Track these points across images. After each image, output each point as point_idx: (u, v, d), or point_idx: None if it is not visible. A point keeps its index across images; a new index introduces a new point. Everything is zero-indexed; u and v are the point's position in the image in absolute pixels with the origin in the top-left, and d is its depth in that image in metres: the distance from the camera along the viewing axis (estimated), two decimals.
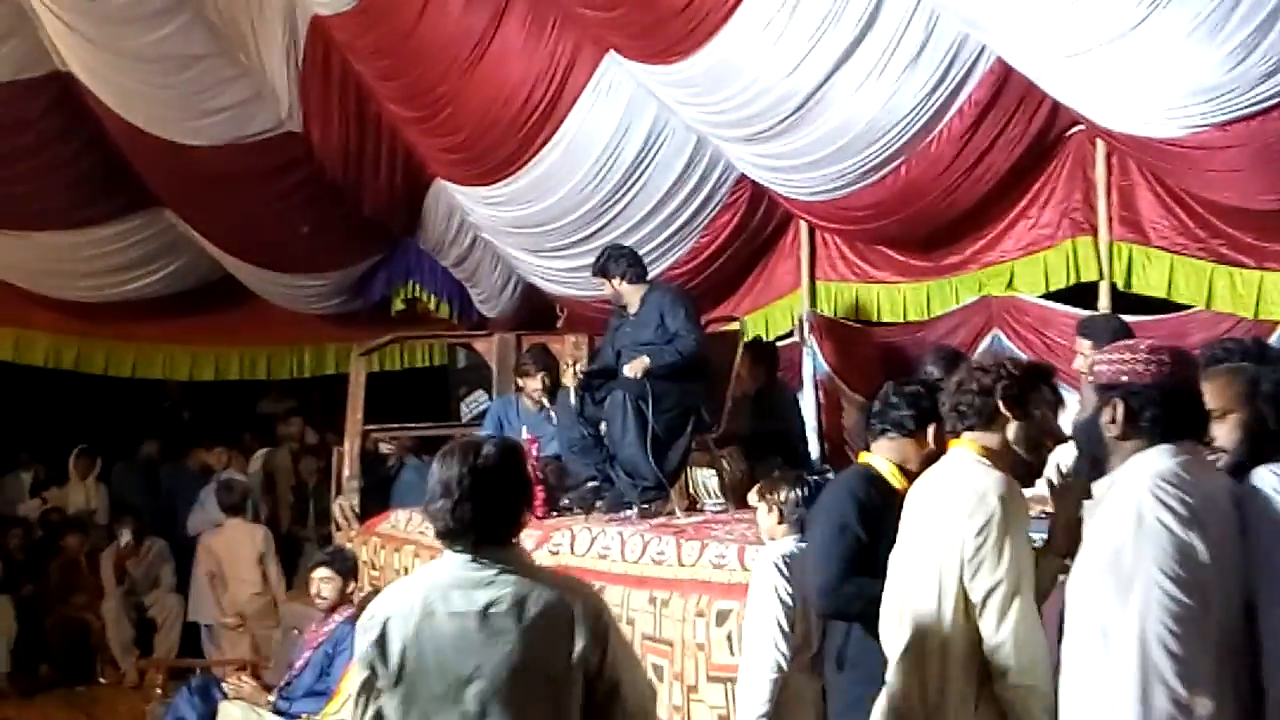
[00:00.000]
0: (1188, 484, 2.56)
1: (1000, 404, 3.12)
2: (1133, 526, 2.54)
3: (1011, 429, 3.13)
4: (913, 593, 3.09)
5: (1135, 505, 2.55)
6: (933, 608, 3.02)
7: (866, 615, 3.37)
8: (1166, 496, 2.53)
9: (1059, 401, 3.29)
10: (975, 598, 2.97)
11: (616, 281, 6.27)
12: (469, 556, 2.84)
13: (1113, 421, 2.70)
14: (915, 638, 3.06)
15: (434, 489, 2.87)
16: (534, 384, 6.93)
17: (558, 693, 2.76)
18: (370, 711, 2.78)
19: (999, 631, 2.95)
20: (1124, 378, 2.69)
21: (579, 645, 2.75)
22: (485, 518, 2.83)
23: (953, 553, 2.99)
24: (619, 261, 6.32)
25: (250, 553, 8.95)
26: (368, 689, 2.79)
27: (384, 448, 9.01)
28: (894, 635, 3.13)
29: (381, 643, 2.76)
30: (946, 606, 3.00)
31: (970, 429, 3.17)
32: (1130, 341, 2.77)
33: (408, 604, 2.81)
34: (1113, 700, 2.50)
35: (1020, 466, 3.16)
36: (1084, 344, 5.15)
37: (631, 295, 6.25)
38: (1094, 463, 2.88)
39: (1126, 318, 5.70)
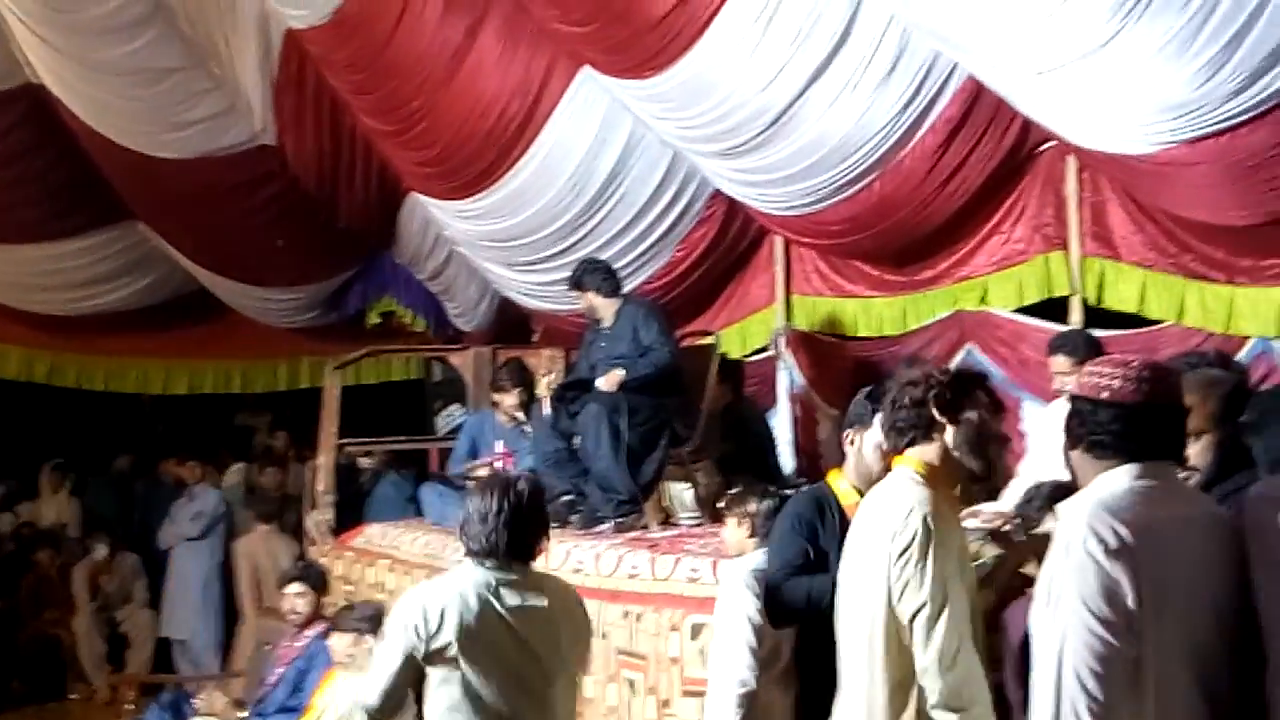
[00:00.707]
0: (1129, 513, 2.43)
1: (934, 412, 3.10)
2: (1063, 554, 2.43)
3: (950, 435, 3.10)
4: (850, 617, 3.07)
5: (1069, 532, 2.45)
6: (866, 632, 3.00)
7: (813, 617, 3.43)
8: (1100, 526, 2.40)
9: (996, 405, 3.24)
10: (904, 620, 2.94)
11: (591, 295, 6.30)
12: (499, 568, 3.52)
13: (1068, 434, 2.63)
14: (854, 662, 3.03)
15: (472, 515, 3.54)
16: (510, 400, 6.91)
17: (576, 674, 3.73)
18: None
19: (926, 653, 2.92)
20: (1104, 394, 2.56)
21: (588, 637, 3.70)
22: (517, 542, 3.53)
23: (880, 575, 2.96)
24: (594, 275, 6.36)
25: (286, 562, 8.82)
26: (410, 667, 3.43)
27: (363, 462, 8.97)
28: (842, 658, 3.11)
29: (439, 626, 3.38)
30: (878, 630, 2.96)
31: (911, 444, 3.13)
32: (1122, 357, 2.68)
33: (461, 597, 3.43)
34: None
35: (966, 472, 3.14)
36: (1057, 360, 5.20)
37: (606, 309, 6.28)
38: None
39: (1098, 332, 5.74)
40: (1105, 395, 2.56)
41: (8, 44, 8.44)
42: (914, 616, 2.92)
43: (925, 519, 2.94)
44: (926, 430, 3.11)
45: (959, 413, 3.11)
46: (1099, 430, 2.56)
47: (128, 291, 10.21)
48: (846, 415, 4.03)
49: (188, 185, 8.98)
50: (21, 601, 9.43)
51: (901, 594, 2.92)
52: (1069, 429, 2.66)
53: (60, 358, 10.64)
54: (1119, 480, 2.51)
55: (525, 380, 6.98)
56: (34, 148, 9.00)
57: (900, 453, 3.17)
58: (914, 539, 2.92)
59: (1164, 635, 2.39)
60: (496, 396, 7.05)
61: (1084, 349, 5.03)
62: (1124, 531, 2.38)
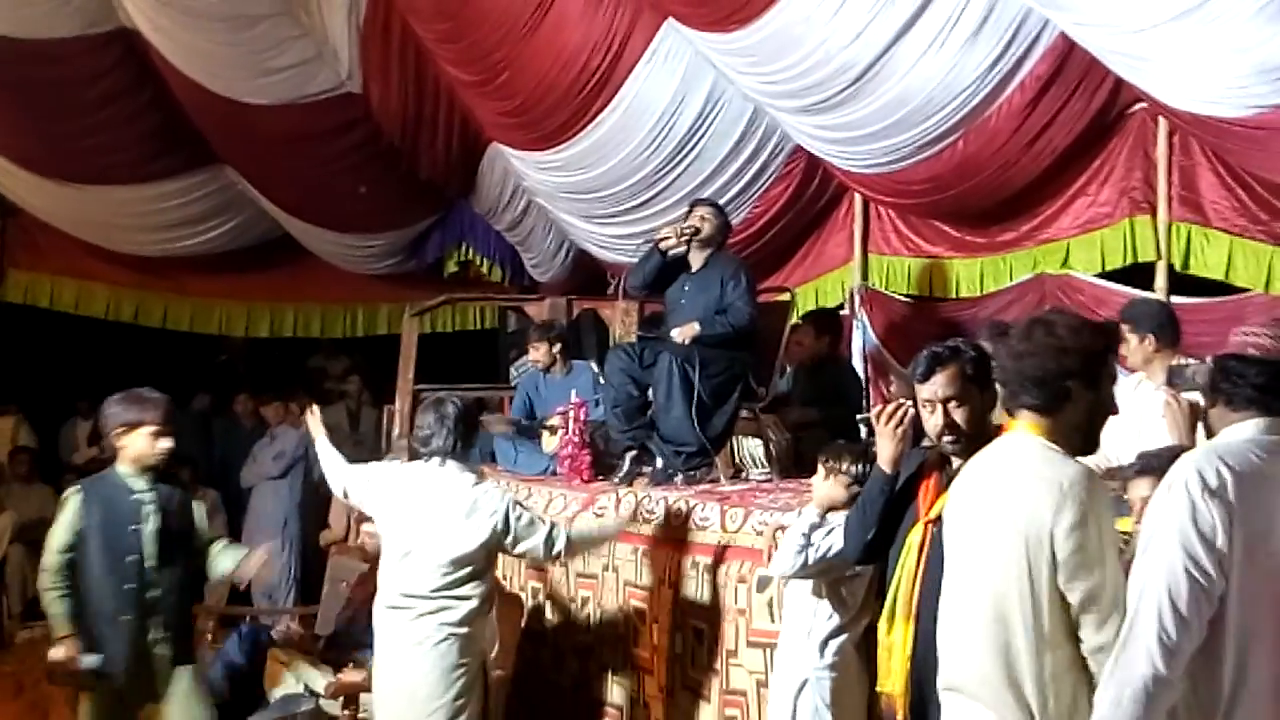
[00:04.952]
0: (1239, 460, 2.45)
1: (1074, 384, 2.79)
2: (1164, 493, 2.47)
3: (1079, 407, 2.82)
4: (988, 593, 2.78)
5: (1175, 473, 2.48)
6: (1001, 609, 2.73)
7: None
8: (1205, 466, 2.44)
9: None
10: (1074, 599, 2.67)
11: (708, 215, 6.19)
12: None
13: (1213, 392, 2.63)
14: (982, 641, 2.77)
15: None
16: (535, 354, 7.10)
17: None
18: None
19: (1100, 633, 2.64)
20: (1250, 350, 2.61)
21: None
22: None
23: (1033, 551, 2.69)
24: (718, 209, 6.35)
25: None
26: None
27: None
28: (969, 638, 2.82)
29: None
30: (1028, 608, 2.69)
31: (1033, 408, 2.84)
32: (1277, 317, 2.64)
33: None
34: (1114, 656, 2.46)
35: (1076, 445, 2.86)
36: (1125, 330, 4.96)
37: (704, 250, 6.17)
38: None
39: (1183, 299, 5.66)
40: (1252, 351, 2.62)
41: None
42: (1087, 597, 2.64)
43: (1095, 493, 2.69)
44: (1057, 398, 2.80)
45: (1099, 385, 2.84)
46: (1241, 383, 2.58)
47: (214, 235, 10.39)
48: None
49: (274, 131, 9.12)
50: None
51: (1073, 573, 2.65)
52: (1214, 387, 2.68)
53: (147, 297, 10.89)
54: (1243, 431, 2.55)
55: (551, 333, 7.13)
56: (127, 91, 9.15)
57: (1011, 413, 2.91)
58: (1083, 515, 2.64)
59: (1252, 583, 2.40)
60: (530, 354, 7.20)
61: (1147, 323, 4.70)
62: (1226, 474, 2.41)
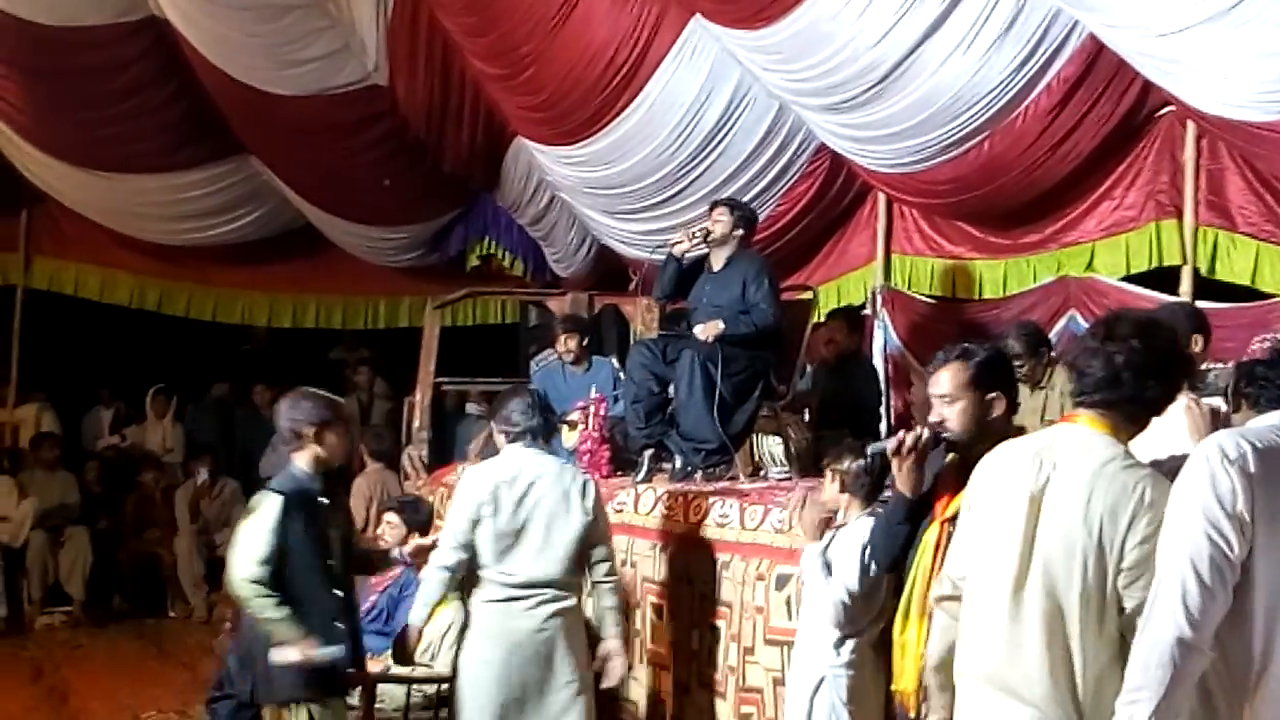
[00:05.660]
0: (1260, 437, 2.46)
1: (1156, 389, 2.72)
2: (1187, 469, 2.48)
3: (1149, 411, 2.75)
4: (1042, 589, 2.70)
5: (1198, 451, 2.49)
6: (1081, 611, 2.66)
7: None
8: (1226, 441, 2.44)
9: None
10: (1127, 604, 2.62)
11: (728, 218, 6.13)
12: None
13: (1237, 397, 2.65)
14: (1055, 648, 2.69)
15: None
16: (562, 346, 7.07)
17: None
18: None
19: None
20: (1272, 353, 2.62)
21: None
22: None
23: (1108, 554, 2.63)
24: (744, 209, 6.31)
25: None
26: None
27: (470, 408, 9.05)
28: (1017, 632, 2.72)
29: None
30: (1078, 607, 2.64)
31: (1107, 405, 2.74)
32: None
33: None
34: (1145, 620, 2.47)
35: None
36: None
37: (723, 250, 6.15)
38: None
39: (1208, 304, 5.62)
40: (1272, 354, 2.63)
41: None
42: (1146, 602, 2.52)
43: (1165, 502, 2.57)
44: (1145, 401, 2.74)
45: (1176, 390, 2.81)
46: (1267, 385, 2.60)
47: (238, 225, 10.44)
48: None
49: (300, 122, 9.17)
50: (125, 521, 9.77)
51: (1135, 579, 2.59)
52: (1237, 391, 2.70)
53: (171, 286, 10.97)
54: (1266, 419, 2.56)
55: (579, 326, 7.13)
56: (155, 80, 9.22)
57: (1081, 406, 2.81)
58: (1157, 525, 2.56)
59: (1277, 552, 2.40)
60: (556, 345, 7.20)
61: (1186, 325, 4.74)
62: (1246, 446, 2.42)
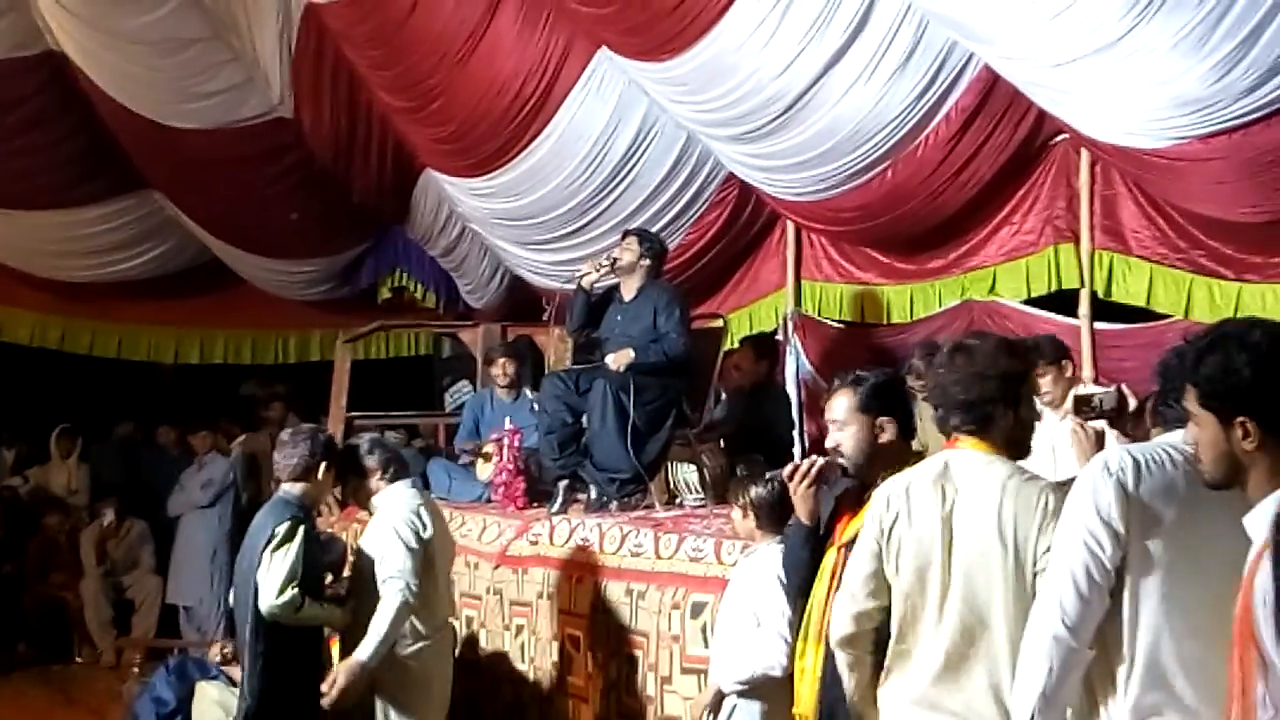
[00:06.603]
0: (1148, 451, 2.56)
1: (994, 408, 2.90)
2: (1079, 478, 2.61)
3: (1004, 426, 2.92)
4: (963, 605, 2.81)
5: (1091, 460, 2.64)
6: (1006, 621, 2.77)
7: None
8: (1111, 457, 2.57)
9: None
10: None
11: (637, 248, 6.21)
12: None
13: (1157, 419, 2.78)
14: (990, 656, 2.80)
15: None
16: (497, 370, 7.07)
17: None
18: None
19: None
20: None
21: None
22: None
23: (1025, 565, 2.78)
24: (653, 240, 6.37)
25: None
26: None
27: (390, 435, 8.95)
28: (944, 650, 2.82)
29: None
30: (1009, 616, 2.76)
31: (963, 429, 2.93)
32: None
33: None
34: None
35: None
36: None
37: (633, 279, 6.22)
38: None
39: (1105, 326, 5.78)
40: (1159, 376, 2.69)
41: (29, 10, 8.49)
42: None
43: (1060, 507, 2.72)
44: (987, 418, 2.92)
45: (1021, 402, 2.97)
46: (1168, 404, 2.68)
47: (142, 260, 10.27)
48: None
49: (204, 156, 9.05)
50: (29, 565, 9.50)
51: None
52: (1155, 412, 2.84)
53: (74, 324, 10.72)
54: (1165, 437, 2.64)
55: (517, 353, 7.07)
56: (53, 115, 9.06)
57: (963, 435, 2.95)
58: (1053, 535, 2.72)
59: (1148, 565, 2.48)
60: (492, 369, 7.16)
61: (1050, 353, 5.03)
62: (1128, 461, 2.52)
